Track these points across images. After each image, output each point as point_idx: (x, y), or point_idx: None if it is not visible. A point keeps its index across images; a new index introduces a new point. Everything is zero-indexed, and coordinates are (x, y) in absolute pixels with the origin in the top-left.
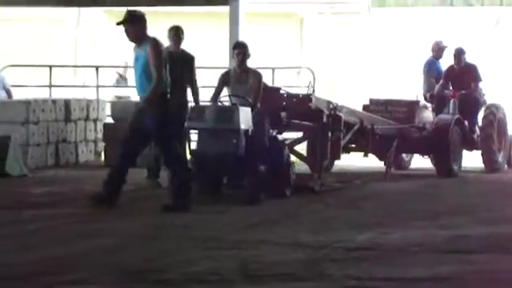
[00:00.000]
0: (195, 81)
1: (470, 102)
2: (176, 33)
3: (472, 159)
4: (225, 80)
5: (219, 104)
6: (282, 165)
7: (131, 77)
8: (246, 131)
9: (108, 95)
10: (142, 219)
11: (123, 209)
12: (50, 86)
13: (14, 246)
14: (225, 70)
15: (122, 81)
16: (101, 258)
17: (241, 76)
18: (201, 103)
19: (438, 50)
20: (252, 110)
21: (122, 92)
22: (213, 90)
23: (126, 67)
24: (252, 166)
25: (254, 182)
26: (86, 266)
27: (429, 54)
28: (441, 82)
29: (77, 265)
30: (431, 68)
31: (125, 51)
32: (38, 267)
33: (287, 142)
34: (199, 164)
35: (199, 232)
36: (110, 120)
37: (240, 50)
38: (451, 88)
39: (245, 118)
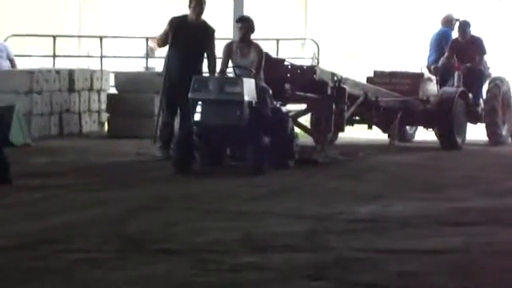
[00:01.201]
0: (214, 54)
1: (475, 74)
2: (197, 3)
3: (476, 132)
4: (229, 50)
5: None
6: (286, 136)
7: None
8: (250, 103)
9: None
10: (146, 189)
11: (128, 179)
12: (54, 55)
13: (18, 215)
14: (228, 41)
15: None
16: (104, 227)
17: (243, 49)
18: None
19: (448, 23)
20: (258, 82)
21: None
22: (217, 61)
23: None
24: (255, 137)
25: (257, 153)
26: (89, 235)
27: (434, 26)
28: (445, 54)
29: (80, 234)
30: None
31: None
32: (41, 236)
33: (291, 114)
34: (202, 135)
35: (203, 203)
36: (113, 91)
37: (243, 24)
38: (456, 61)
39: (249, 89)
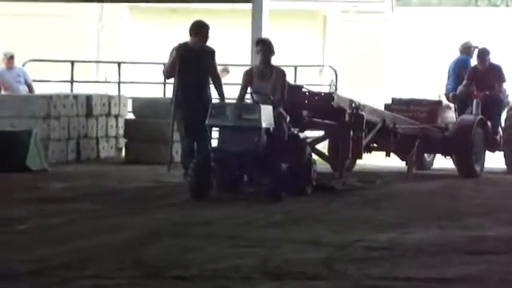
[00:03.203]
0: (219, 78)
1: (494, 102)
2: (206, 32)
3: (494, 160)
4: (249, 78)
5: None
6: (303, 163)
7: None
8: (268, 129)
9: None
10: (162, 215)
11: (145, 205)
12: (72, 81)
13: (36, 240)
14: (248, 68)
15: None
16: (120, 253)
17: (264, 73)
18: (225, 96)
19: (467, 50)
20: (276, 107)
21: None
22: (235, 87)
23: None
24: (273, 163)
25: (275, 179)
26: (105, 260)
27: (452, 54)
28: (464, 82)
29: (96, 259)
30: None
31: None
32: (57, 261)
33: (308, 141)
34: (220, 161)
35: (220, 229)
36: (131, 116)
37: (262, 47)
38: (475, 88)
39: (266, 115)
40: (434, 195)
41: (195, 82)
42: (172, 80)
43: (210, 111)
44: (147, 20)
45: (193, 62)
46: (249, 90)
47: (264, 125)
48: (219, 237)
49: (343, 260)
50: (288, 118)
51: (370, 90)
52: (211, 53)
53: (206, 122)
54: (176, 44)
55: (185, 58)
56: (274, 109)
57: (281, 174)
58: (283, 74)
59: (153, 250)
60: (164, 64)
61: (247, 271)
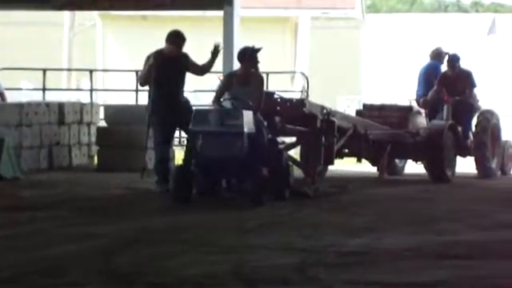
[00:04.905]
0: (199, 67)
1: (464, 107)
2: (182, 39)
3: (465, 165)
4: (229, 82)
5: (223, 107)
6: (282, 167)
7: None
8: (249, 134)
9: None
10: (136, 222)
11: (118, 212)
12: (44, 89)
13: (7, 247)
14: (229, 72)
15: None
16: (93, 260)
17: (244, 78)
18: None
19: (437, 56)
20: (255, 113)
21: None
22: (206, 94)
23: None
24: (255, 168)
25: (257, 184)
26: (77, 268)
27: (423, 60)
28: (435, 87)
29: (69, 267)
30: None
31: (119, 55)
32: (30, 269)
33: (281, 147)
34: (202, 167)
35: (193, 236)
36: (103, 123)
37: (253, 58)
38: (445, 94)
39: (248, 121)
40: (405, 200)
41: (171, 89)
42: (146, 87)
43: (193, 117)
44: (118, 27)
45: (168, 69)
46: (226, 95)
47: (246, 130)
48: (192, 243)
49: (316, 265)
50: (266, 123)
51: (342, 96)
52: (185, 56)
53: (189, 127)
54: (151, 51)
55: (160, 65)
56: (253, 114)
57: (263, 179)
58: (261, 80)
59: (125, 257)
60: (137, 71)
61: (220, 277)
